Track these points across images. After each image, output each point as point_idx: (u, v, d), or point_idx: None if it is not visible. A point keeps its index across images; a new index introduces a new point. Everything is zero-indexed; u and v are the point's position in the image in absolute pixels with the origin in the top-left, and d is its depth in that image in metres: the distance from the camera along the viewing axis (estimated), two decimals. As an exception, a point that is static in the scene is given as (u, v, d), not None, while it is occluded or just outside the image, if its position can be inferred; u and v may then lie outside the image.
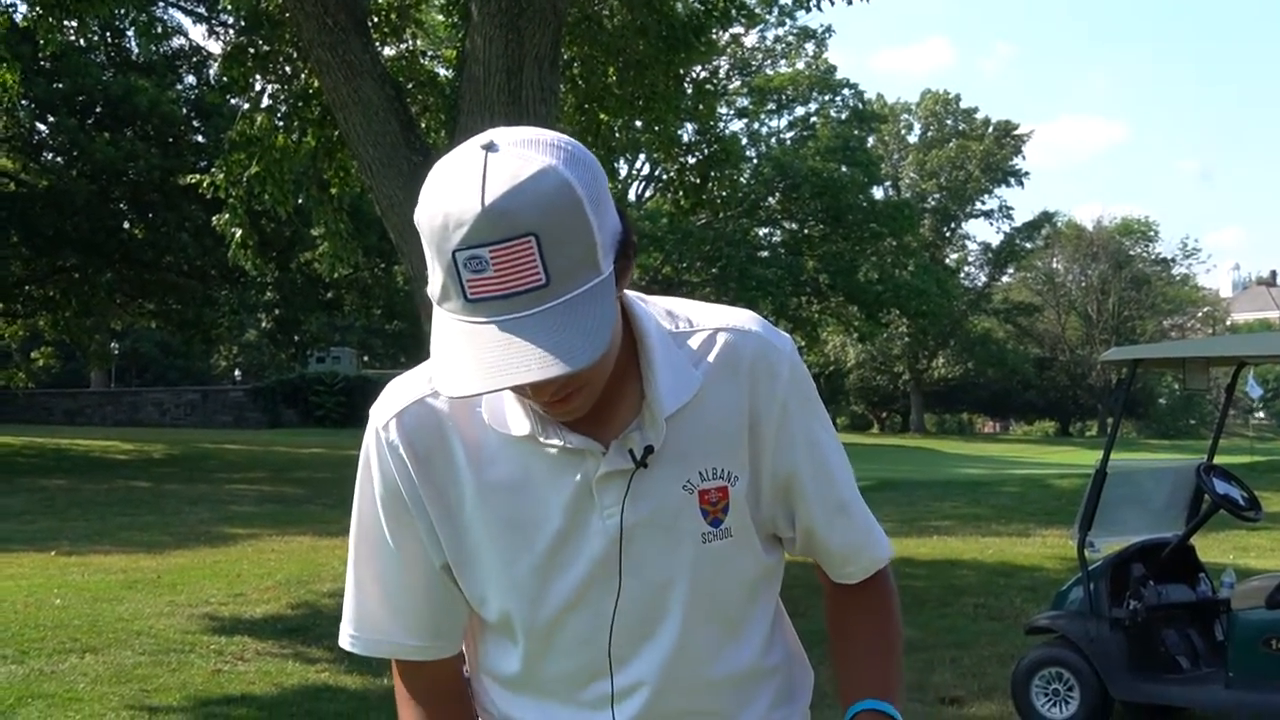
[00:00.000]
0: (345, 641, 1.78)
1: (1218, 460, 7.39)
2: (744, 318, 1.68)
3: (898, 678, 1.77)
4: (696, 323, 1.67)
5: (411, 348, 48.93)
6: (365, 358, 62.71)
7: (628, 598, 1.64)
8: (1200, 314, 71.78)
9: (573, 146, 1.45)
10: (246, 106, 13.46)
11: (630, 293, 1.64)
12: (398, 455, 1.65)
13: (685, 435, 1.62)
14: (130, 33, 27.23)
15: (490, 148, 1.41)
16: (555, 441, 1.58)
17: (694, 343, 1.65)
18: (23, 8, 14.30)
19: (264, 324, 40.59)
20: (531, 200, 1.38)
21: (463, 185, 1.39)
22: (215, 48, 29.87)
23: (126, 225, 31.11)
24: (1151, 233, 70.38)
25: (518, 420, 1.60)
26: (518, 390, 1.51)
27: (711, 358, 1.64)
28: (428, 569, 1.70)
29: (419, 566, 1.70)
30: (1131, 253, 69.64)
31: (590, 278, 1.42)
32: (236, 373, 68.06)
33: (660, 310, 1.68)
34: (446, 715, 1.82)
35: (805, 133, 49.05)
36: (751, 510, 1.68)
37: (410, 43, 14.12)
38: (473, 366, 1.40)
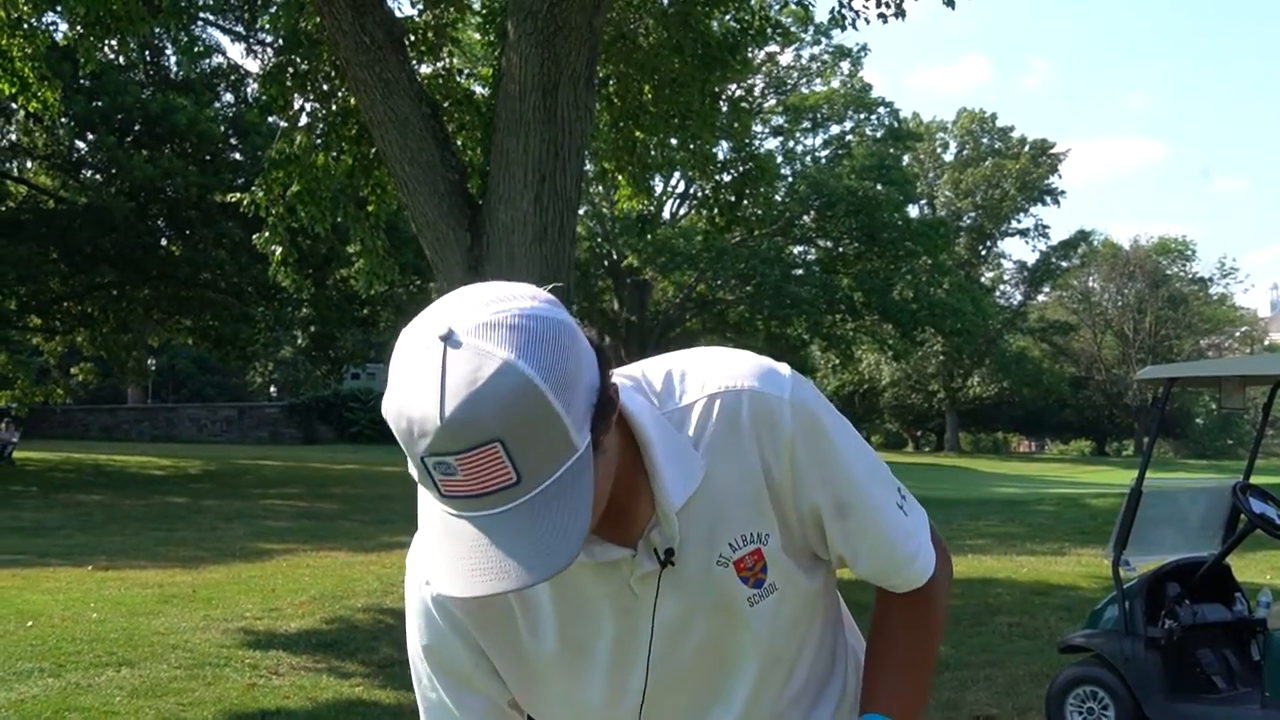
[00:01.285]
0: None
1: (1254, 480, 7.35)
2: (739, 371, 1.63)
3: (915, 696, 1.75)
4: (690, 392, 1.62)
5: (446, 365, 49.00)
6: (400, 375, 62.84)
7: (670, 689, 1.69)
8: (1238, 334, 71.29)
9: (536, 321, 1.38)
10: (285, 125, 13.55)
11: (622, 376, 1.61)
12: (443, 607, 1.68)
13: (705, 516, 1.61)
14: (169, 51, 27.52)
15: (449, 339, 1.36)
16: (585, 560, 1.57)
17: (692, 417, 1.61)
18: (63, 26, 14.46)
19: (300, 340, 40.68)
20: (492, 407, 1.33)
21: (422, 389, 1.35)
22: (253, 66, 30.12)
23: (164, 242, 31.33)
24: (1189, 252, 70.02)
25: None
26: None
27: (711, 430, 1.60)
28: (493, 710, 1.75)
29: (483, 710, 1.74)
30: (1168, 272, 69.28)
31: (564, 460, 1.38)
32: (272, 389, 68.32)
33: (653, 386, 1.64)
34: None
35: (840, 151, 48.95)
36: (793, 556, 1.68)
37: (447, 61, 14.18)
38: (452, 567, 1.39)
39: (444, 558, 1.40)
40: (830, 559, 1.76)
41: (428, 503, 1.44)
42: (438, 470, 1.35)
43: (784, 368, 1.65)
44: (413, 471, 1.41)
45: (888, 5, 13.18)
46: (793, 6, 25.12)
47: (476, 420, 1.32)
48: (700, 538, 1.61)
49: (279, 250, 13.12)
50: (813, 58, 48.88)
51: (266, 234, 13.17)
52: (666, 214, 44.51)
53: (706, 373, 1.64)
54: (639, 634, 1.65)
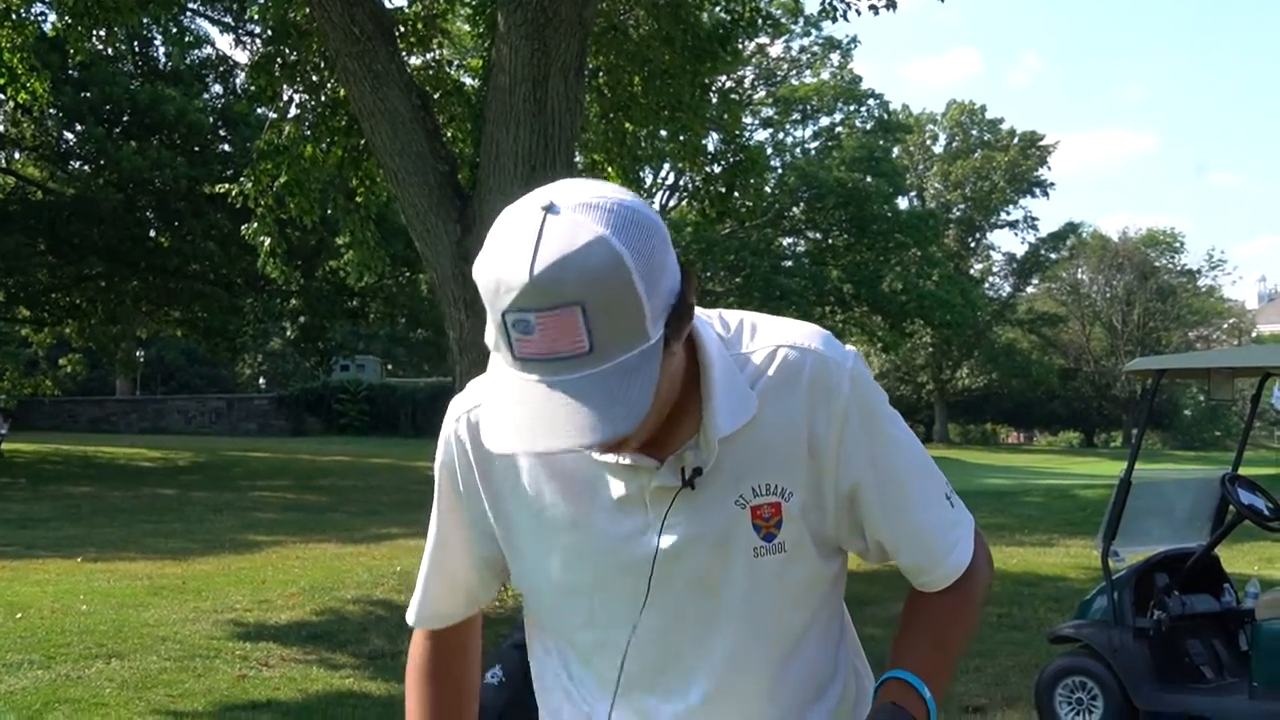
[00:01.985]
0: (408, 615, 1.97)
1: (1242, 471, 7.37)
2: (806, 333, 1.69)
3: (941, 665, 1.74)
4: (759, 341, 1.68)
5: (435, 357, 49.10)
6: (389, 366, 62.84)
7: (660, 612, 1.68)
8: (1226, 325, 71.40)
9: (633, 210, 1.46)
10: (274, 116, 13.53)
11: (699, 311, 1.64)
12: (462, 448, 1.76)
13: (740, 453, 1.64)
14: (158, 42, 27.46)
15: (550, 209, 1.44)
16: (609, 458, 1.63)
17: (754, 362, 1.66)
18: (51, 17, 14.42)
19: (289, 332, 40.62)
20: (579, 273, 1.40)
21: (516, 249, 1.43)
22: (242, 57, 30.14)
23: (152, 234, 31.25)
24: (1177, 244, 70.07)
25: None
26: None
27: (770, 376, 1.65)
28: (466, 556, 1.84)
29: (459, 552, 1.84)
30: (1157, 264, 69.33)
31: (636, 345, 1.44)
32: (261, 381, 68.28)
33: (725, 328, 1.70)
34: (440, 682, 1.94)
35: (830, 143, 48.96)
36: (812, 525, 1.69)
37: (436, 52, 14.18)
38: (515, 423, 1.45)
39: (505, 416, 1.47)
40: (856, 548, 1.77)
41: (497, 366, 1.51)
42: (516, 328, 1.43)
43: (849, 346, 1.71)
44: (490, 335, 1.49)
45: (878, -3, 13.21)
46: (783, -2, 25.08)
47: (562, 281, 1.40)
48: (728, 473, 1.64)
49: (267, 241, 13.10)
50: (802, 49, 48.89)
51: (255, 225, 13.15)
52: (656, 206, 44.40)
53: (776, 328, 1.71)
54: (641, 547, 1.66)
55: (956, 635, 1.79)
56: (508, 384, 1.47)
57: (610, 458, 1.63)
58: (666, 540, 1.65)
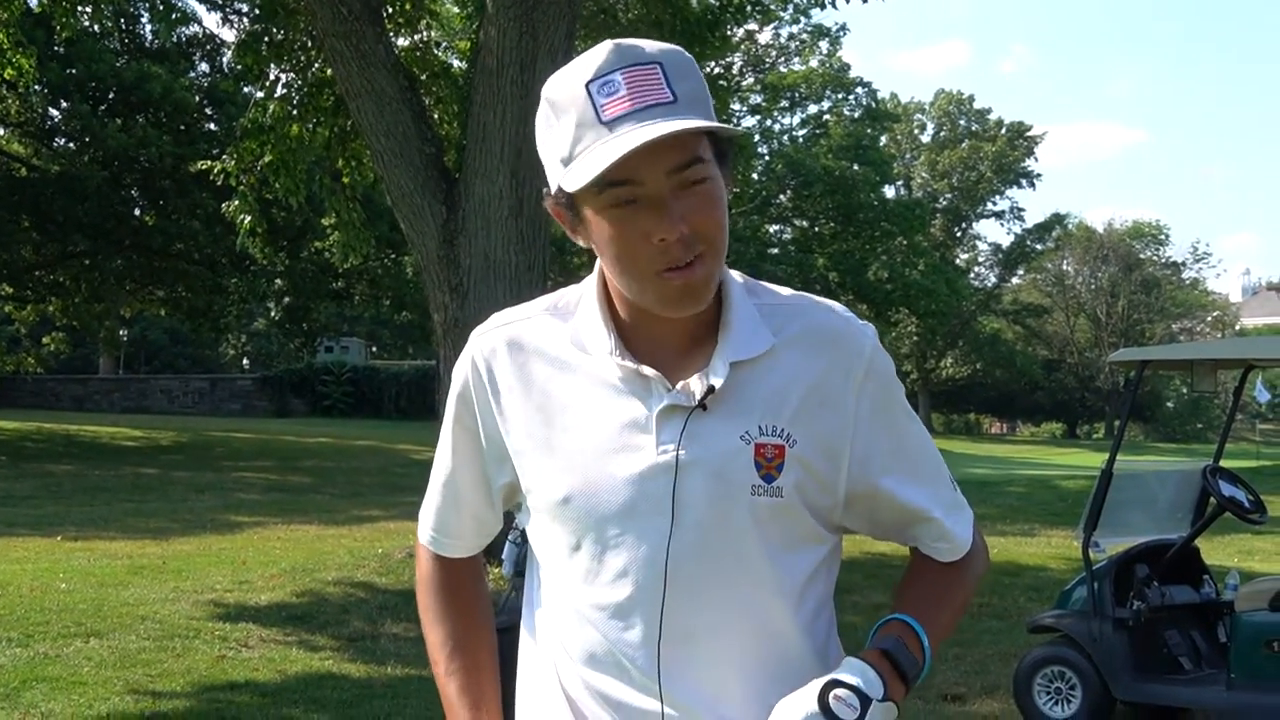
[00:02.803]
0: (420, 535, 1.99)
1: (1224, 463, 7.39)
2: (828, 302, 1.78)
3: (940, 623, 1.77)
4: (784, 298, 1.77)
5: (419, 339, 48.98)
6: (373, 348, 62.82)
7: (680, 540, 1.66)
8: (1210, 318, 71.65)
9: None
10: (260, 95, 13.48)
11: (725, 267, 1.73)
12: (475, 365, 1.80)
13: (751, 390, 1.68)
14: (145, 19, 27.33)
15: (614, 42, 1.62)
16: (629, 363, 1.68)
17: (779, 312, 1.73)
18: (38, -8, 14.36)
19: (273, 313, 40.55)
20: (656, 46, 1.61)
21: (588, 52, 1.61)
22: (229, 35, 29.95)
23: (137, 212, 31.12)
24: (1162, 236, 70.24)
25: (599, 342, 1.71)
26: (643, 250, 1.60)
27: (793, 327, 1.72)
28: (478, 488, 1.86)
29: (470, 483, 1.87)
30: (1142, 256, 69.49)
31: (709, 117, 1.60)
32: (245, 361, 68.19)
33: (751, 283, 1.78)
34: (461, 601, 1.95)
35: (818, 130, 48.93)
36: (814, 480, 1.69)
37: (424, 34, 14.13)
38: (612, 154, 1.53)
39: (608, 143, 1.55)
40: (856, 523, 1.78)
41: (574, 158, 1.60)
42: (601, 92, 1.57)
43: None
44: (563, 133, 1.60)
45: (868, -16, 13.20)
46: (772, -16, 25.04)
47: (641, 46, 1.60)
48: (738, 406, 1.67)
49: (248, 219, 13.06)
50: (791, 36, 48.77)
51: (236, 203, 13.11)
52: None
53: (805, 294, 1.81)
54: (639, 463, 1.67)
55: (956, 603, 1.83)
56: (597, 146, 1.56)
57: (630, 363, 1.68)
58: (679, 459, 1.66)
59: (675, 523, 1.65)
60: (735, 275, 1.75)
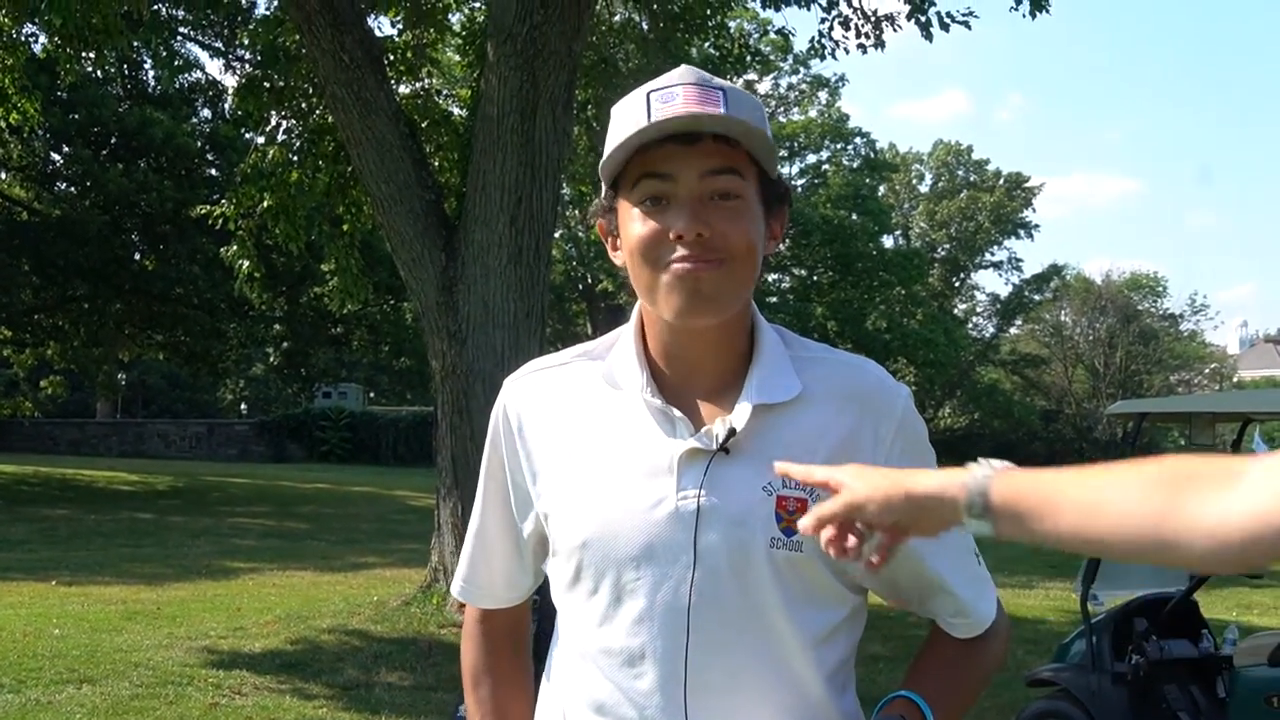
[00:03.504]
0: (454, 589, 2.03)
1: (1223, 516, 7.35)
2: (864, 359, 1.80)
3: (949, 705, 1.74)
4: (819, 351, 1.77)
5: (417, 385, 48.91)
6: (371, 394, 62.71)
7: (700, 588, 1.65)
8: (1208, 370, 71.63)
9: None
10: (261, 140, 13.53)
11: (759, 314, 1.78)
12: (505, 412, 1.84)
13: (776, 440, 1.66)
14: (148, 65, 27.47)
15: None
16: (657, 401, 1.69)
17: (812, 364, 1.73)
18: (42, 38, 14.42)
19: (271, 358, 40.54)
20: (724, 81, 1.66)
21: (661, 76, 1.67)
22: (231, 82, 30.05)
23: (137, 256, 31.18)
24: (1160, 288, 70.36)
25: (631, 379, 1.72)
26: (662, 246, 1.63)
27: (825, 381, 1.71)
28: (506, 537, 1.88)
29: (498, 533, 1.88)
30: (1140, 307, 69.57)
31: (764, 152, 1.65)
32: (243, 406, 68.01)
33: (786, 335, 1.78)
34: (502, 657, 1.98)
35: (816, 180, 49.13)
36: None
37: (425, 82, 14.20)
38: (662, 111, 1.60)
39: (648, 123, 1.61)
40: (874, 584, 1.75)
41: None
42: (658, 99, 1.61)
43: None
44: (618, 129, 1.64)
45: (867, 36, 13.28)
46: (772, 36, 25.19)
47: (713, 78, 1.65)
48: (760, 456, 1.65)
49: (246, 264, 13.08)
50: (790, 87, 49.14)
51: (235, 248, 13.13)
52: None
53: (841, 350, 1.82)
54: (660, 508, 1.67)
55: (970, 685, 1.80)
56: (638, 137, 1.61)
57: (658, 401, 1.69)
58: (700, 506, 1.65)
59: (695, 570, 1.65)
60: (770, 325, 1.76)
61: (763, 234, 1.66)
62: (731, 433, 1.64)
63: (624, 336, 1.78)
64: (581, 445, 1.73)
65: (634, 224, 1.64)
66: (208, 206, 14.11)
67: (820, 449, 1.66)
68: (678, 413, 1.67)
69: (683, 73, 1.64)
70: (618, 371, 1.74)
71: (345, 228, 13.49)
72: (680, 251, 1.60)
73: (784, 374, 1.70)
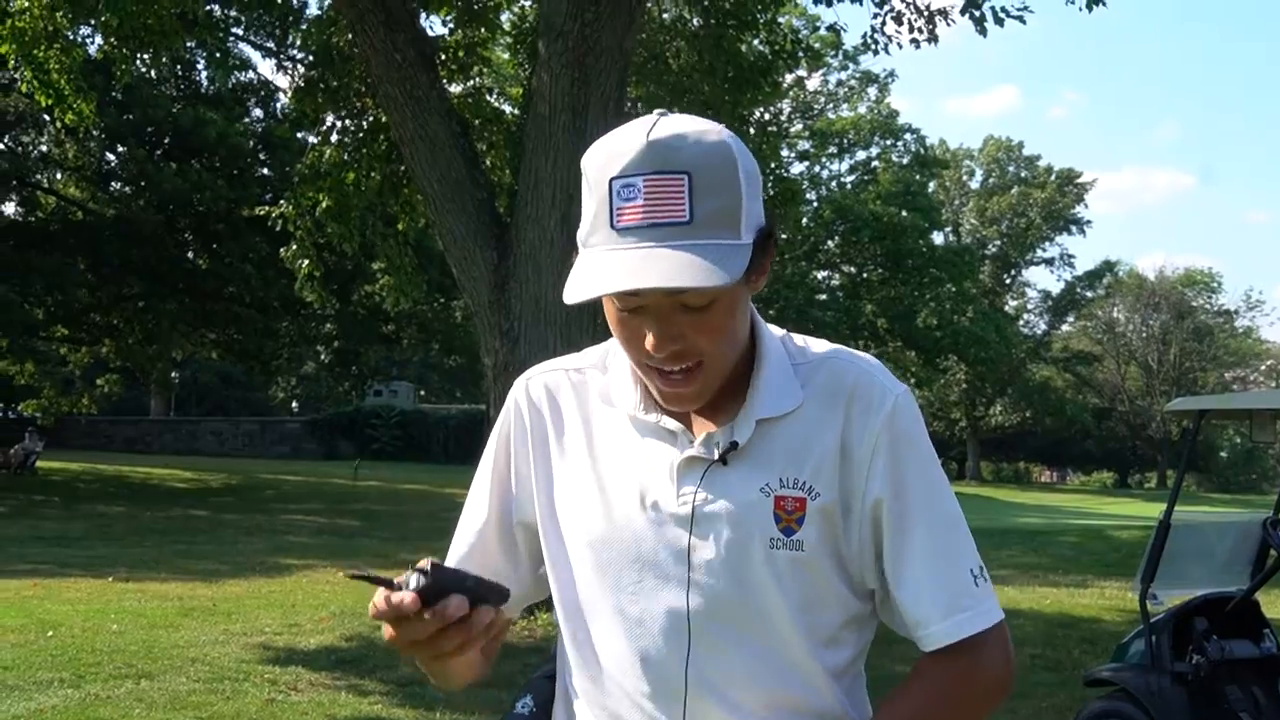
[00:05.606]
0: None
1: (1284, 515, 7.27)
2: (862, 355, 1.74)
3: None
4: (817, 354, 1.73)
5: (468, 383, 49.16)
6: (422, 392, 63.03)
7: (698, 592, 1.64)
8: (1264, 367, 70.94)
9: (738, 139, 1.59)
10: (316, 140, 13.60)
11: (770, 326, 1.75)
12: (518, 410, 1.82)
13: (774, 443, 1.65)
14: (201, 65, 27.71)
15: (664, 112, 1.58)
16: (652, 418, 1.68)
17: (813, 368, 1.70)
18: (98, 39, 14.56)
19: (323, 356, 40.81)
20: (692, 144, 1.52)
21: (632, 129, 1.55)
22: (284, 82, 30.31)
23: (191, 255, 31.47)
24: (1215, 284, 69.74)
25: (625, 397, 1.71)
26: (640, 351, 1.60)
27: (819, 379, 1.69)
28: (503, 518, 1.83)
29: (496, 512, 1.83)
30: (1194, 304, 68.98)
31: (729, 237, 1.52)
32: (294, 404, 68.54)
33: (791, 340, 1.75)
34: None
35: (866, 177, 48.97)
36: (835, 534, 1.65)
37: (477, 80, 14.23)
38: (606, 275, 1.51)
39: (599, 267, 1.52)
40: (878, 586, 1.70)
41: (584, 257, 1.57)
42: (621, 195, 1.52)
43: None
44: (582, 229, 1.58)
45: (920, 31, 13.19)
46: (823, 31, 25.12)
47: (676, 148, 1.52)
48: (759, 459, 1.65)
49: (305, 264, 13.16)
50: (840, 83, 48.99)
51: (294, 248, 13.21)
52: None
53: (841, 348, 1.76)
54: (661, 514, 1.66)
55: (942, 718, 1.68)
56: (601, 250, 1.54)
57: (653, 418, 1.68)
58: (696, 509, 1.64)
59: (692, 573, 1.63)
60: (773, 330, 1.75)
61: (743, 306, 1.63)
62: (733, 445, 1.64)
63: (616, 352, 1.76)
64: (584, 452, 1.73)
65: (612, 315, 1.62)
66: (266, 207, 14.21)
67: (815, 449, 1.65)
68: (674, 424, 1.67)
69: (642, 150, 1.51)
70: (614, 389, 1.75)
71: (401, 226, 13.54)
72: (656, 358, 1.58)
73: (786, 385, 1.68)
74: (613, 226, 1.52)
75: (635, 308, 1.57)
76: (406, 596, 1.42)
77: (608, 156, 1.54)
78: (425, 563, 1.42)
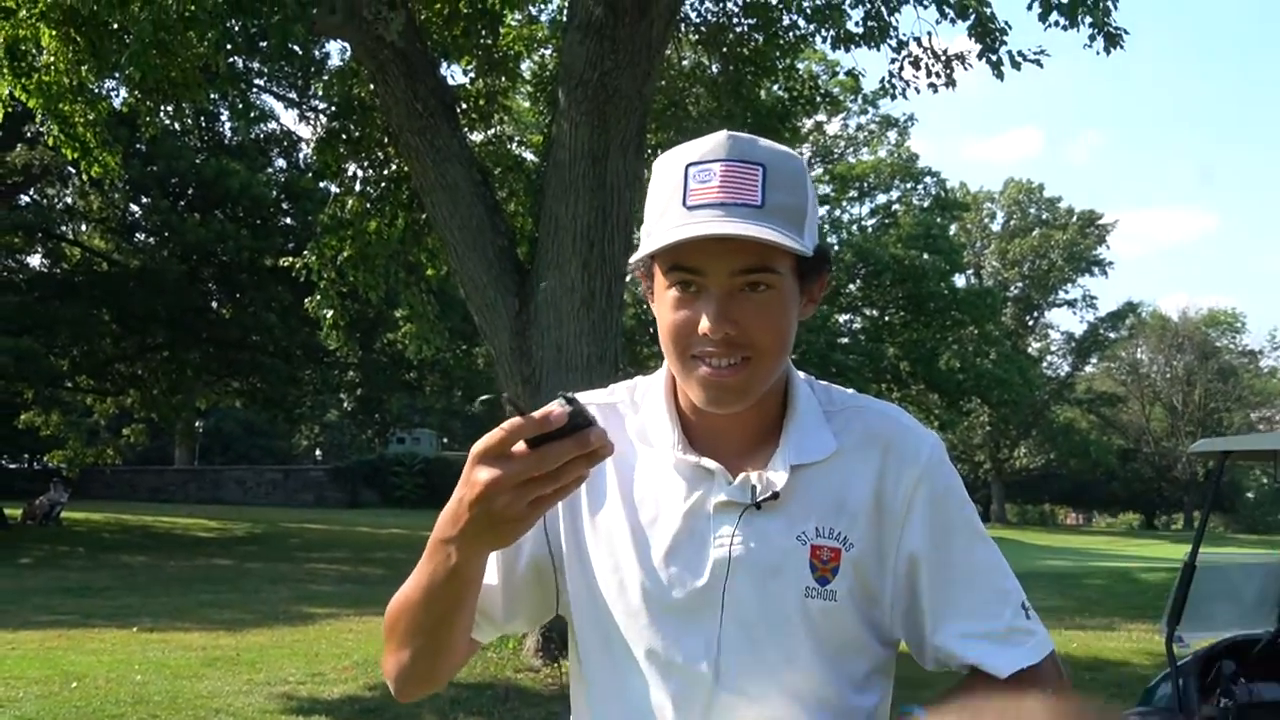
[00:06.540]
0: None
1: (1311, 556, 7.23)
2: (893, 407, 1.76)
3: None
4: (848, 401, 1.75)
5: (491, 430, 49.11)
6: (445, 439, 63.06)
7: (729, 637, 1.64)
8: (1289, 407, 70.55)
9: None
10: (338, 190, 13.69)
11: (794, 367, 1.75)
12: None
13: (811, 492, 1.65)
14: (224, 116, 27.93)
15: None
16: (690, 457, 1.67)
17: (842, 416, 1.71)
18: (122, 92, 14.70)
19: (346, 404, 40.92)
20: (768, 148, 1.59)
21: (712, 134, 1.61)
22: (305, 132, 30.52)
23: (215, 305, 31.61)
24: (1239, 324, 69.54)
25: (662, 435, 1.71)
26: (690, 337, 1.60)
27: (853, 431, 1.69)
28: (517, 554, 1.75)
29: (513, 550, 1.74)
30: (1218, 344, 68.76)
31: (795, 231, 1.56)
32: (318, 452, 68.65)
33: (814, 384, 1.76)
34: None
35: (887, 220, 48.95)
36: (867, 587, 1.66)
37: (498, 128, 14.32)
38: (684, 232, 1.53)
39: (676, 227, 1.55)
40: (906, 635, 1.70)
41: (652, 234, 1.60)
42: (695, 179, 1.56)
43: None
44: (655, 204, 1.61)
45: (938, 76, 13.23)
46: (841, 77, 25.22)
47: (753, 145, 1.59)
48: (795, 508, 1.65)
49: (330, 314, 13.22)
50: (859, 127, 49.08)
51: (319, 298, 13.27)
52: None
53: (871, 398, 1.78)
54: (697, 555, 1.66)
55: None
56: (671, 226, 1.56)
57: (691, 457, 1.67)
58: (732, 553, 1.64)
59: (725, 619, 1.64)
60: (801, 376, 1.75)
61: (795, 313, 1.63)
62: (772, 495, 1.63)
63: (654, 390, 1.78)
64: (615, 491, 1.72)
65: (664, 306, 1.63)
66: (290, 258, 14.27)
67: (851, 501, 1.65)
68: (713, 464, 1.66)
69: (721, 142, 1.58)
70: (649, 428, 1.74)
71: (429, 273, 13.61)
72: (707, 347, 1.59)
73: (819, 431, 1.69)
74: (684, 204, 1.55)
75: (693, 286, 1.58)
76: (556, 407, 1.40)
77: (684, 152, 1.59)
78: (563, 397, 1.41)
